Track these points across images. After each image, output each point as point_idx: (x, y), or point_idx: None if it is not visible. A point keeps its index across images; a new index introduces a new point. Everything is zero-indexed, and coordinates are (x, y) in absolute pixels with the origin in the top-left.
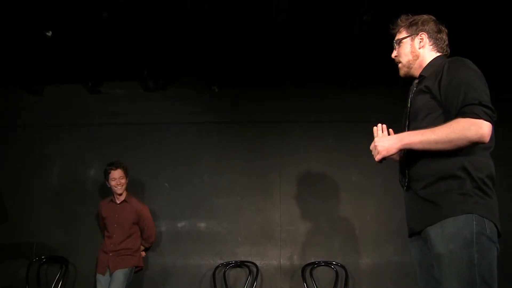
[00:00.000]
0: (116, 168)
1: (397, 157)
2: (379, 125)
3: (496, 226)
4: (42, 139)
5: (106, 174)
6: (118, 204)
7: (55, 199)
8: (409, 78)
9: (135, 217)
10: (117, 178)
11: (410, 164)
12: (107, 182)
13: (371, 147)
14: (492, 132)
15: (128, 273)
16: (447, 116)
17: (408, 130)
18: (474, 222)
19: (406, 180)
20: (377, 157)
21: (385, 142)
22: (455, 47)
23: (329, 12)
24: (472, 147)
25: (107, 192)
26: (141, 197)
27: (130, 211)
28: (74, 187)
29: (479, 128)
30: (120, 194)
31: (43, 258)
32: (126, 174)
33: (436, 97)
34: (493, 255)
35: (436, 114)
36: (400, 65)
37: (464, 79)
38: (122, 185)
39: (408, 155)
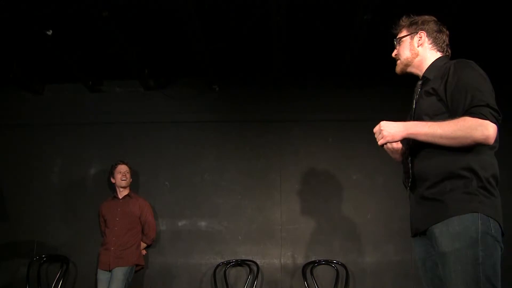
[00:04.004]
0: (123, 163)
1: (400, 158)
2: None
3: (500, 225)
4: (42, 138)
5: (113, 169)
6: (121, 199)
7: (55, 198)
8: (408, 77)
9: (138, 211)
10: (123, 172)
11: (414, 164)
12: (112, 178)
13: (375, 130)
14: (496, 133)
15: (128, 271)
16: (453, 118)
17: None
18: (480, 221)
19: (410, 180)
20: (381, 142)
21: (391, 127)
22: (456, 47)
23: (329, 12)
24: (479, 147)
25: (107, 191)
26: (142, 196)
27: (133, 204)
28: (75, 186)
29: (485, 129)
30: (124, 188)
31: (44, 257)
32: (131, 173)
33: (442, 99)
34: (497, 254)
35: (442, 117)
36: (398, 61)
37: (471, 81)
38: (127, 179)
39: (412, 155)
